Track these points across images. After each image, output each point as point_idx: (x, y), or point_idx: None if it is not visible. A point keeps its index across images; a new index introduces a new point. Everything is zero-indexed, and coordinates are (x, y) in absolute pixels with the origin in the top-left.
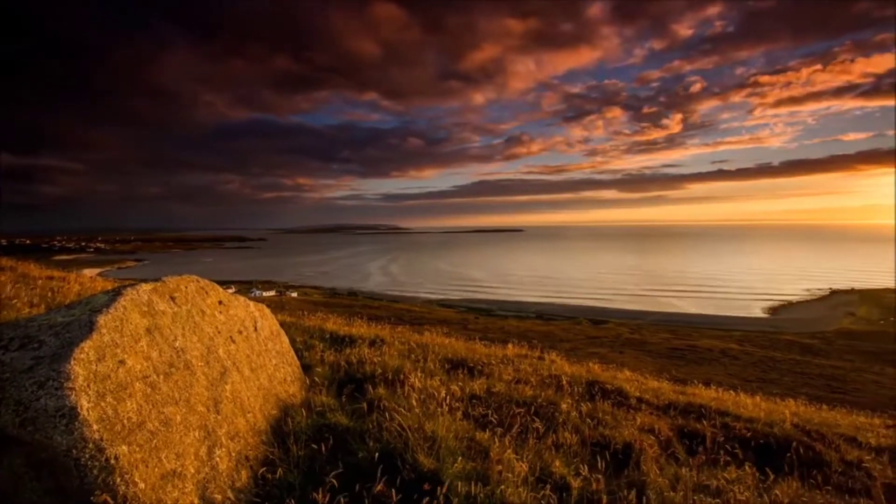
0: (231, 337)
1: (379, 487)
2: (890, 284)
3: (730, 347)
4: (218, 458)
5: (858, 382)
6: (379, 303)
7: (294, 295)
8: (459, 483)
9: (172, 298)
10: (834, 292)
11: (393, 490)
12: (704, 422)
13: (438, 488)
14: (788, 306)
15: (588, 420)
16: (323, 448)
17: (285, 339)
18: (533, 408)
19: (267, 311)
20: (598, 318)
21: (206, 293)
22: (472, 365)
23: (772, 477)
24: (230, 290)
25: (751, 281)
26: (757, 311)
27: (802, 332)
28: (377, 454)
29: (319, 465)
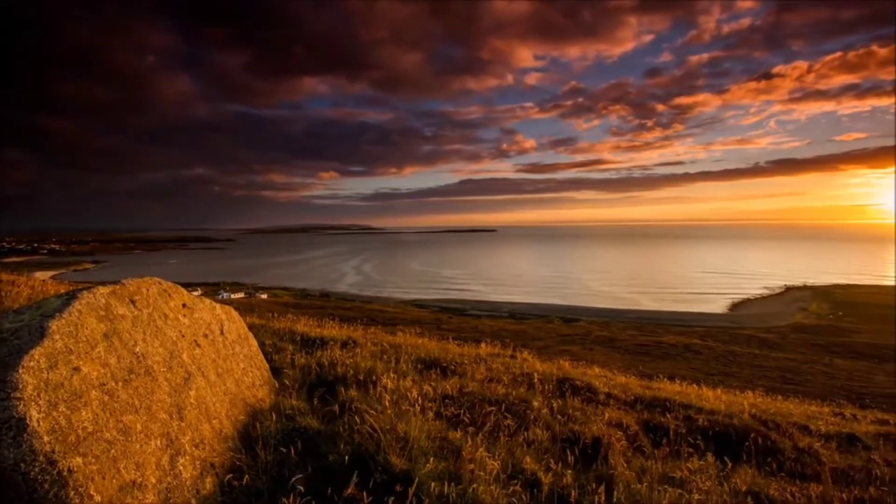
0: (196, 341)
1: (350, 490)
2: (839, 281)
3: (693, 343)
4: (181, 467)
5: (810, 374)
6: (351, 304)
7: (264, 297)
8: (432, 483)
9: (132, 302)
10: (789, 289)
11: (364, 492)
12: (669, 415)
13: (410, 489)
14: (747, 303)
15: (559, 416)
16: (293, 452)
17: (254, 342)
18: (505, 406)
19: (234, 313)
20: (569, 317)
21: (170, 296)
22: (445, 365)
23: (731, 465)
24: (196, 293)
25: (715, 279)
26: (719, 308)
27: (760, 328)
28: (349, 457)
29: (289, 470)
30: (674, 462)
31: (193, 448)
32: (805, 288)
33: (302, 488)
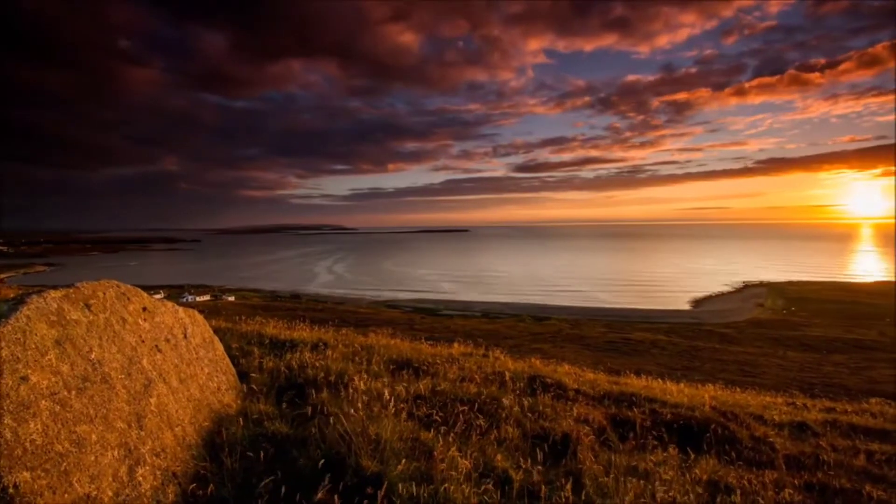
0: (157, 346)
1: (320, 495)
2: (793, 277)
3: (659, 339)
4: (140, 478)
5: (766, 366)
6: (323, 305)
7: (231, 299)
8: (402, 484)
9: (87, 306)
10: (746, 286)
11: (335, 496)
12: (635, 409)
13: (380, 491)
14: (709, 299)
15: (529, 414)
16: (260, 458)
17: (219, 345)
18: (477, 405)
19: (199, 316)
20: (541, 316)
21: (129, 299)
22: (417, 365)
23: (693, 456)
24: (158, 296)
25: (682, 276)
26: (683, 305)
27: (720, 323)
28: (319, 461)
29: (256, 477)
30: (640, 455)
31: (154, 457)
32: (761, 285)
33: (273, 494)
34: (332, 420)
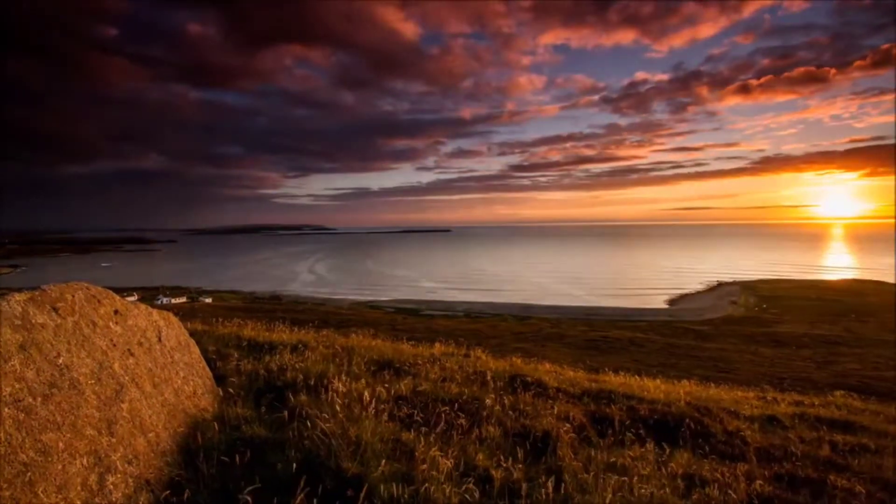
0: (129, 350)
1: (299, 499)
2: (765, 276)
3: (637, 337)
4: (111, 486)
5: (739, 362)
6: (303, 306)
7: (208, 301)
8: (383, 485)
9: (55, 309)
10: (721, 284)
11: (315, 500)
12: (613, 406)
13: (360, 493)
14: (685, 297)
15: (510, 412)
16: (238, 463)
17: (195, 349)
18: (458, 404)
19: (174, 319)
20: (522, 315)
21: (99, 302)
22: (398, 366)
23: (669, 451)
24: (131, 299)
25: (661, 275)
26: (660, 303)
27: (695, 321)
28: (298, 464)
29: (233, 482)
30: (618, 450)
31: (126, 465)
32: (735, 283)
33: (250, 499)
34: (311, 423)
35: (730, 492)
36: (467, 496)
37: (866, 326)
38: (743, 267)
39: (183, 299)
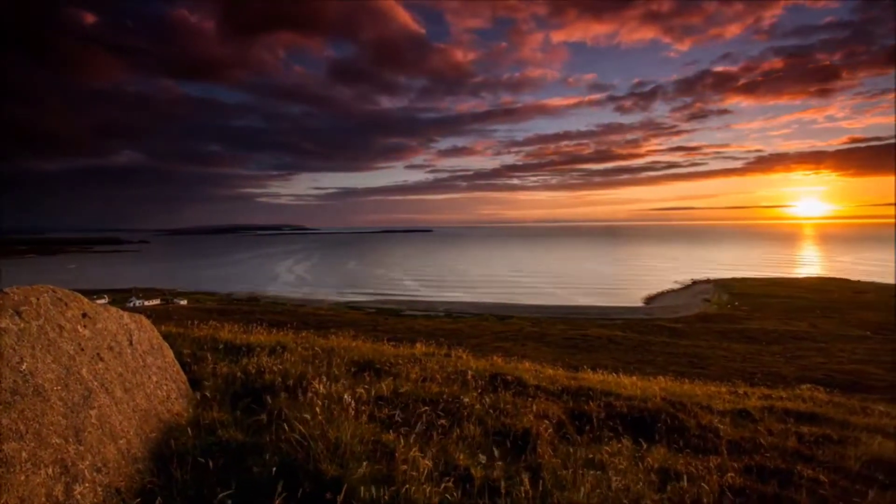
0: (99, 354)
1: (277, 503)
2: (737, 274)
3: (614, 334)
4: (79, 496)
5: (712, 358)
6: (282, 307)
7: (183, 303)
8: (363, 487)
9: (18, 313)
10: (695, 282)
11: (293, 503)
12: (592, 403)
13: (339, 496)
14: (661, 295)
15: (491, 411)
16: (213, 468)
17: (169, 352)
18: (439, 404)
19: (146, 322)
20: (503, 315)
21: (66, 305)
22: (379, 366)
23: (645, 446)
24: (101, 301)
25: (639, 274)
26: (637, 301)
27: (670, 318)
28: (276, 468)
29: (208, 488)
30: (596, 446)
31: (94, 473)
32: (708, 281)
33: None
34: (289, 425)
35: (703, 484)
36: (447, 496)
37: (831, 322)
38: (717, 265)
39: (156, 301)
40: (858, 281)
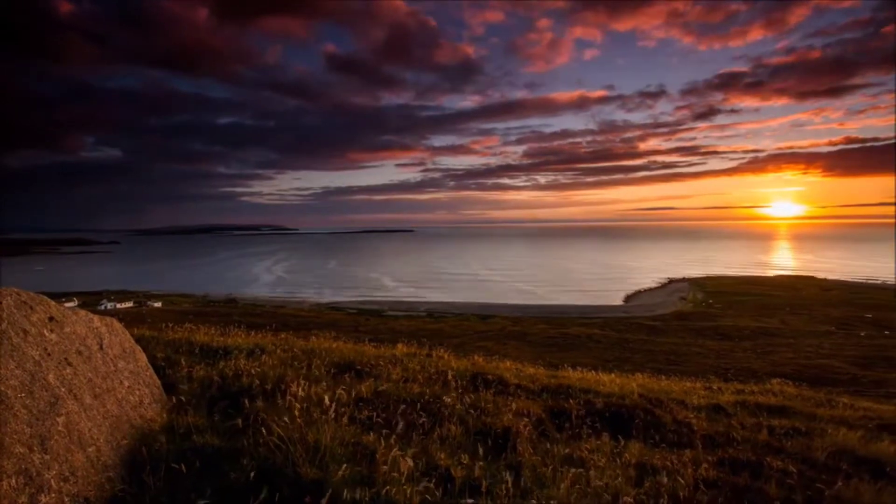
0: (66, 359)
1: None
2: (711, 273)
3: (594, 333)
4: None
5: (688, 355)
6: (261, 309)
7: (158, 305)
8: (344, 489)
9: None
10: (671, 281)
11: None
12: (571, 400)
13: (320, 499)
14: (639, 294)
15: (472, 410)
16: (188, 474)
17: (142, 356)
18: (420, 404)
19: (117, 325)
20: (485, 314)
21: (31, 308)
22: (360, 367)
23: (623, 442)
24: (70, 304)
25: (619, 273)
26: (615, 300)
27: (648, 316)
28: (254, 472)
29: (183, 494)
30: (575, 443)
31: (61, 483)
32: (684, 280)
33: None
34: (267, 429)
35: (678, 478)
36: (428, 496)
37: (799, 318)
38: (694, 264)
39: (129, 304)
40: (825, 279)
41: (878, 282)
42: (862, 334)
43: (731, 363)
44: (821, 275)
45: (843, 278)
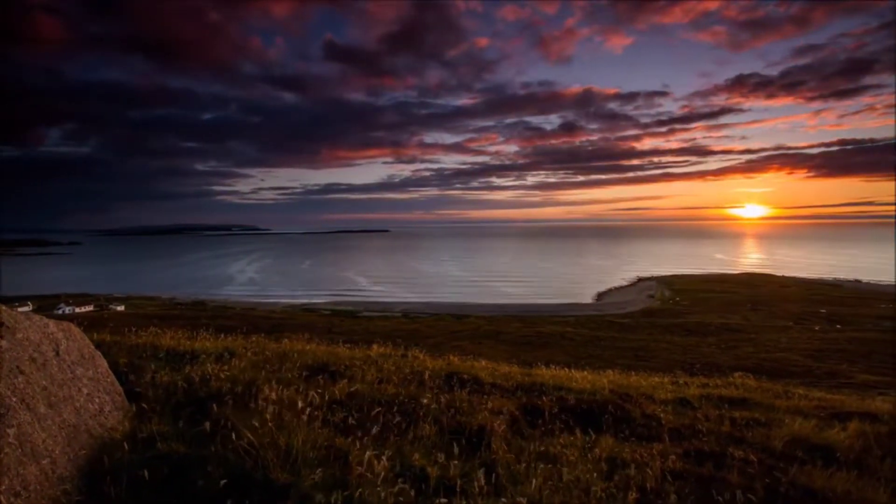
0: (18, 367)
1: None
2: (678, 272)
3: (567, 331)
4: None
5: (656, 350)
6: (231, 311)
7: (121, 308)
8: (318, 494)
9: None
10: (641, 279)
11: None
12: (544, 398)
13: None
14: (609, 292)
15: (447, 410)
16: (152, 484)
17: (102, 362)
18: (395, 405)
19: (75, 330)
20: (460, 314)
21: None
22: (334, 369)
23: (594, 437)
24: (24, 309)
25: (590, 272)
26: (587, 298)
27: (618, 314)
28: (223, 479)
29: None
30: (548, 440)
31: (12, 498)
32: (652, 278)
33: None
34: (236, 434)
35: (647, 470)
36: (402, 497)
37: (759, 314)
38: (662, 262)
39: (89, 308)
40: (783, 276)
41: (830, 279)
42: (816, 328)
43: (696, 358)
44: (780, 273)
45: (800, 275)
